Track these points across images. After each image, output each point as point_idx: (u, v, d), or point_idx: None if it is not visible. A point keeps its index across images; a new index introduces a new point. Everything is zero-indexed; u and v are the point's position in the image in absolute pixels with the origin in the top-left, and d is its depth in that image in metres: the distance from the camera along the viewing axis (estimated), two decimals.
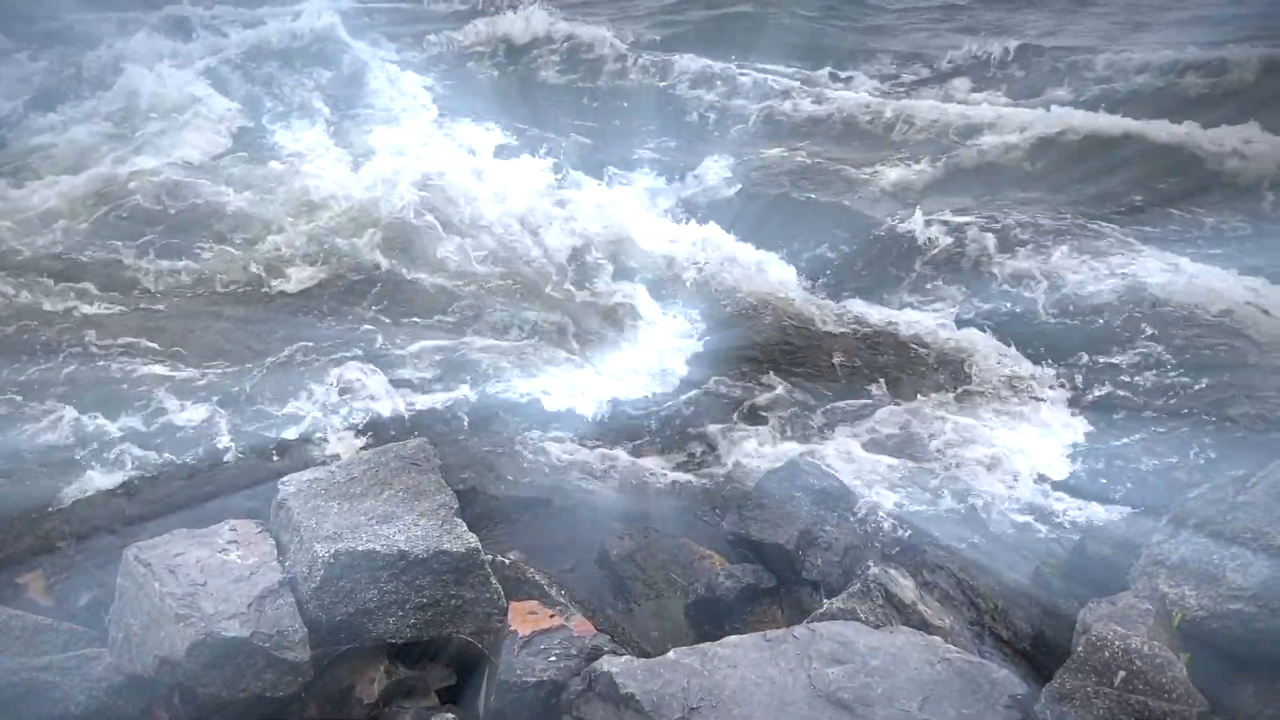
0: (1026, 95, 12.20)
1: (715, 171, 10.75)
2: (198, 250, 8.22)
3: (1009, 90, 12.48)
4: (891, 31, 15.71)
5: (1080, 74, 12.39)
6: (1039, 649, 3.87)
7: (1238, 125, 9.71)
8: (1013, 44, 13.57)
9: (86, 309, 7.26)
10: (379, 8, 18.40)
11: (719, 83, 13.17)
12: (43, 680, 3.41)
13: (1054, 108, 11.04)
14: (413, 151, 10.34)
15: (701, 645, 3.40)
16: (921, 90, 12.85)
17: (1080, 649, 3.11)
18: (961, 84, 12.88)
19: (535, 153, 10.60)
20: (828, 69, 13.97)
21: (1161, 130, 9.99)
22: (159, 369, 6.46)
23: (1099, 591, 3.64)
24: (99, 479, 5.31)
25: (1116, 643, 3.05)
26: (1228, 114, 10.17)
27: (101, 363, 6.53)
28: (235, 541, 3.78)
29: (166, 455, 5.59)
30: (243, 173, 9.79)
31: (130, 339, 6.84)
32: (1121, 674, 2.98)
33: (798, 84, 13.00)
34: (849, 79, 13.54)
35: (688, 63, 13.79)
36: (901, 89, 13.08)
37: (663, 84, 13.49)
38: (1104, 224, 8.56)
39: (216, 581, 3.52)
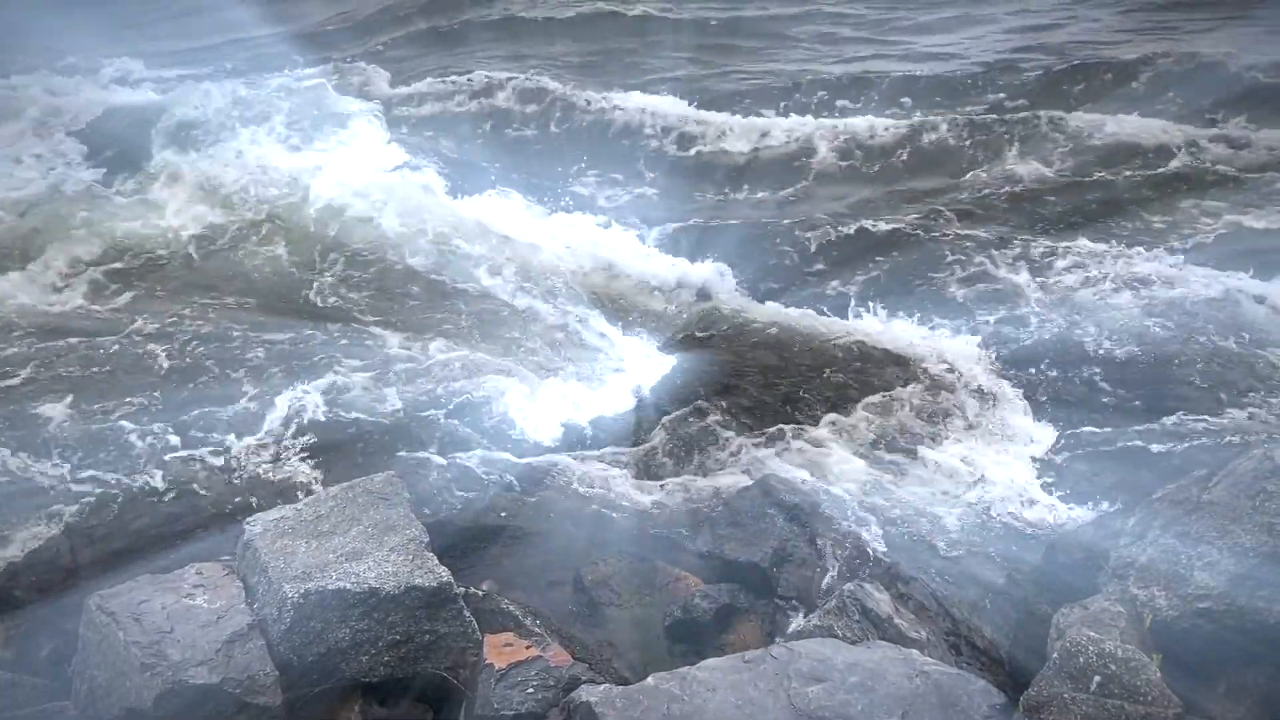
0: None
1: (647, 195, 10.76)
2: (136, 282, 8.13)
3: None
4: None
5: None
6: (1015, 656, 3.89)
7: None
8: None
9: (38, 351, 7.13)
10: None
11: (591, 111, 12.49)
12: None
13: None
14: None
15: (680, 669, 3.38)
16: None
17: (1055, 655, 3.13)
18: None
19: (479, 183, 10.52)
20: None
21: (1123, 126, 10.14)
22: (111, 408, 6.35)
23: (1071, 596, 3.67)
24: (55, 525, 5.18)
25: (1091, 647, 3.07)
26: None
27: (49, 405, 6.41)
28: (201, 585, 3.71)
29: (126, 498, 5.47)
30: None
31: (80, 377, 6.73)
32: (1097, 679, 3.00)
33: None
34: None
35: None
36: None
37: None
38: (1063, 229, 8.68)
39: (183, 628, 3.45)
